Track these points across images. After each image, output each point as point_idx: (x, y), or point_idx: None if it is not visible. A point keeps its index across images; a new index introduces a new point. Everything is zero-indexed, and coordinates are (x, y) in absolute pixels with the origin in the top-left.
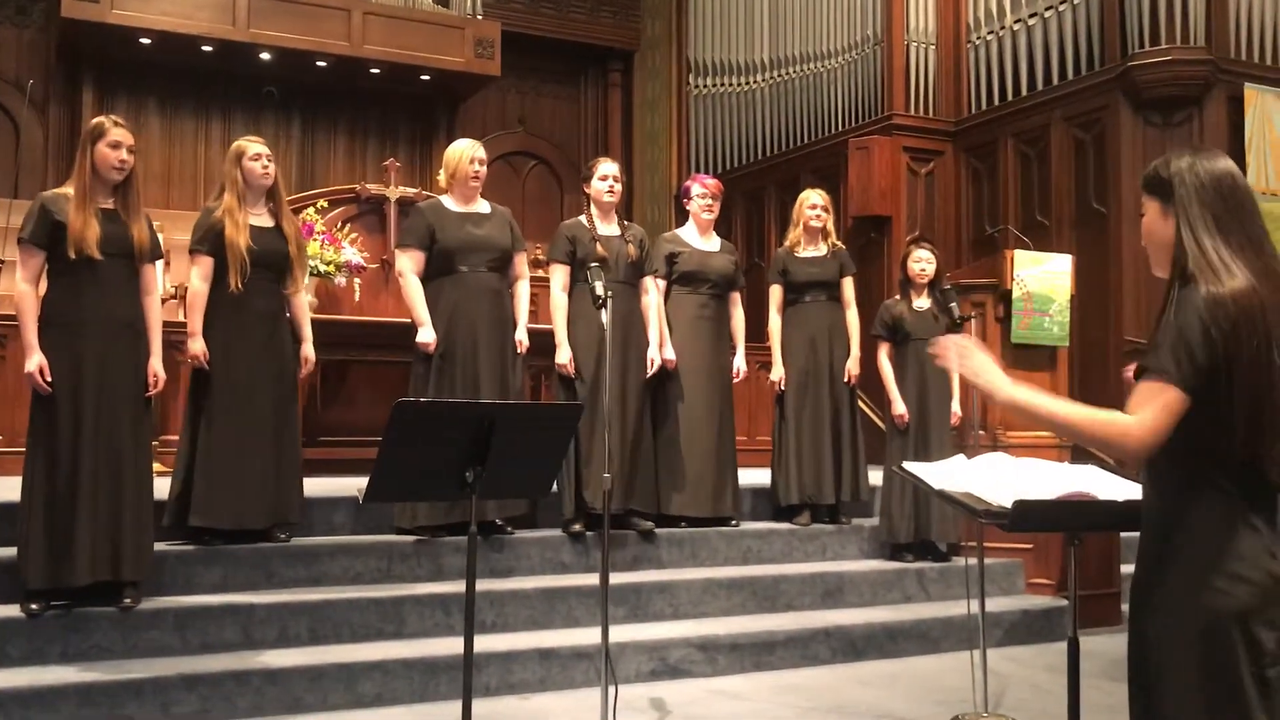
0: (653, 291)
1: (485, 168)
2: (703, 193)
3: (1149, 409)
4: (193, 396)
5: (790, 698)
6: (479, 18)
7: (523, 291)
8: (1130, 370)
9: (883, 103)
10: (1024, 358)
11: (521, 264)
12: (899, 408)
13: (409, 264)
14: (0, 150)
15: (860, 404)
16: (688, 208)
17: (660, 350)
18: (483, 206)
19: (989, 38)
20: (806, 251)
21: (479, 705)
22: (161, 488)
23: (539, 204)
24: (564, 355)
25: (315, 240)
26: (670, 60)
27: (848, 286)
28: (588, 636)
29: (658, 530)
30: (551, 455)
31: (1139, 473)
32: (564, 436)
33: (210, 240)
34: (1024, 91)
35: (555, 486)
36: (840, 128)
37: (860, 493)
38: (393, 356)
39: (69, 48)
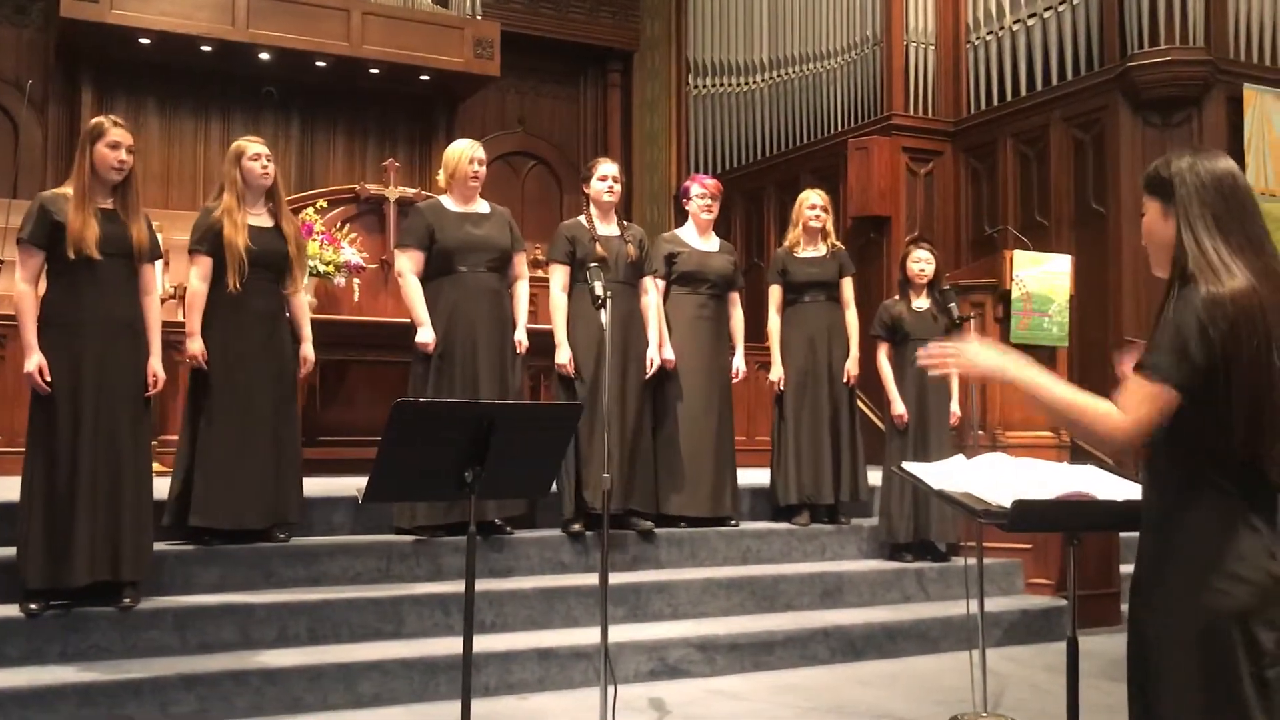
0: (652, 291)
1: (484, 168)
2: (702, 193)
3: (1138, 404)
4: (192, 396)
5: (789, 698)
6: (478, 18)
7: (522, 292)
8: (1125, 363)
9: (882, 103)
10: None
11: (521, 264)
12: (898, 408)
13: (408, 264)
14: None
15: (859, 404)
16: (687, 208)
17: (659, 350)
18: (482, 207)
19: (988, 38)
20: (806, 252)
21: (478, 705)
22: (161, 488)
23: (538, 204)
24: (563, 355)
25: (314, 240)
26: (669, 60)
27: (847, 287)
28: (587, 636)
29: (657, 530)
30: (551, 455)
31: (1138, 473)
32: (563, 436)
33: (209, 240)
34: (1023, 92)
35: (554, 486)
36: (839, 128)
37: (859, 493)
38: (392, 356)
39: (68, 47)
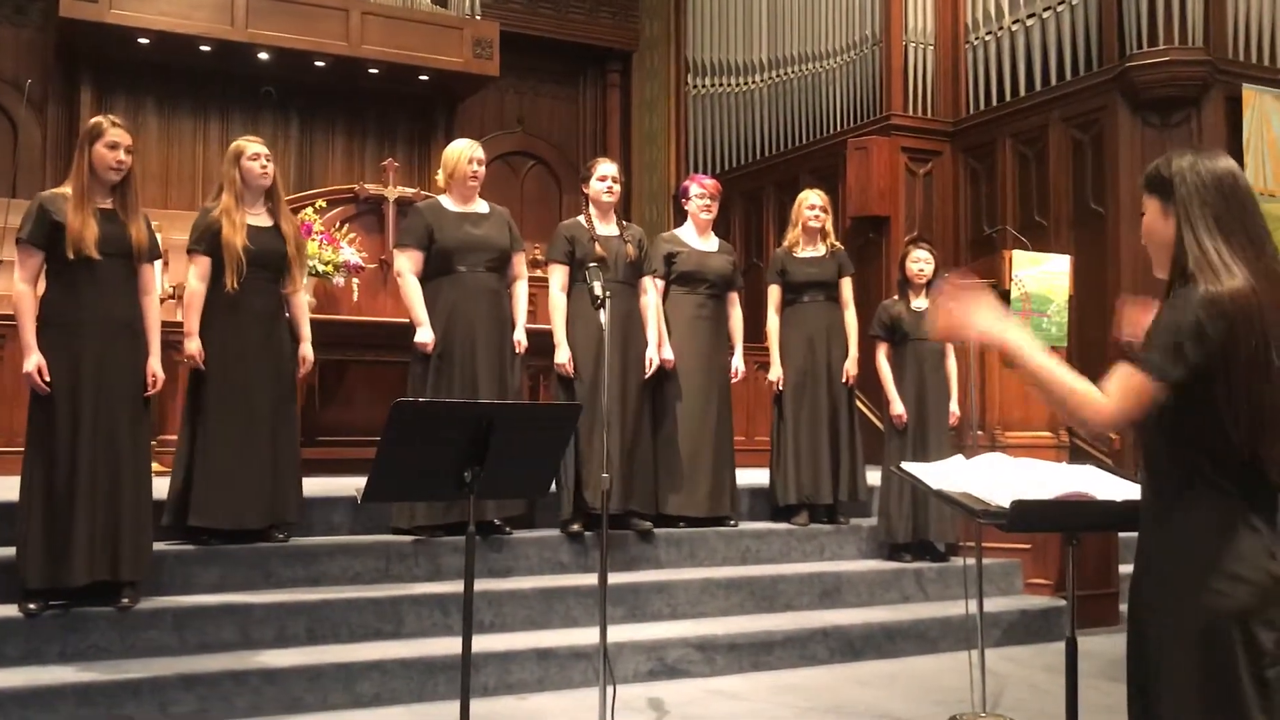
0: (651, 291)
1: (484, 168)
2: (701, 193)
3: (1124, 394)
4: (191, 396)
5: (788, 698)
6: (477, 18)
7: (521, 291)
8: (1125, 320)
9: (881, 103)
10: None
11: (520, 264)
12: (897, 408)
13: (407, 264)
14: None
15: (858, 404)
16: (686, 208)
17: (659, 350)
18: (481, 206)
19: (987, 38)
20: (805, 252)
21: (477, 705)
22: (160, 487)
23: (537, 204)
24: (563, 355)
25: (313, 240)
26: (669, 60)
27: (846, 287)
28: (586, 636)
29: (656, 530)
30: (550, 455)
31: (1138, 472)
32: (562, 436)
33: (207, 240)
34: (1022, 92)
35: (554, 486)
36: (839, 128)
37: (858, 493)
38: (391, 356)
39: (67, 47)
